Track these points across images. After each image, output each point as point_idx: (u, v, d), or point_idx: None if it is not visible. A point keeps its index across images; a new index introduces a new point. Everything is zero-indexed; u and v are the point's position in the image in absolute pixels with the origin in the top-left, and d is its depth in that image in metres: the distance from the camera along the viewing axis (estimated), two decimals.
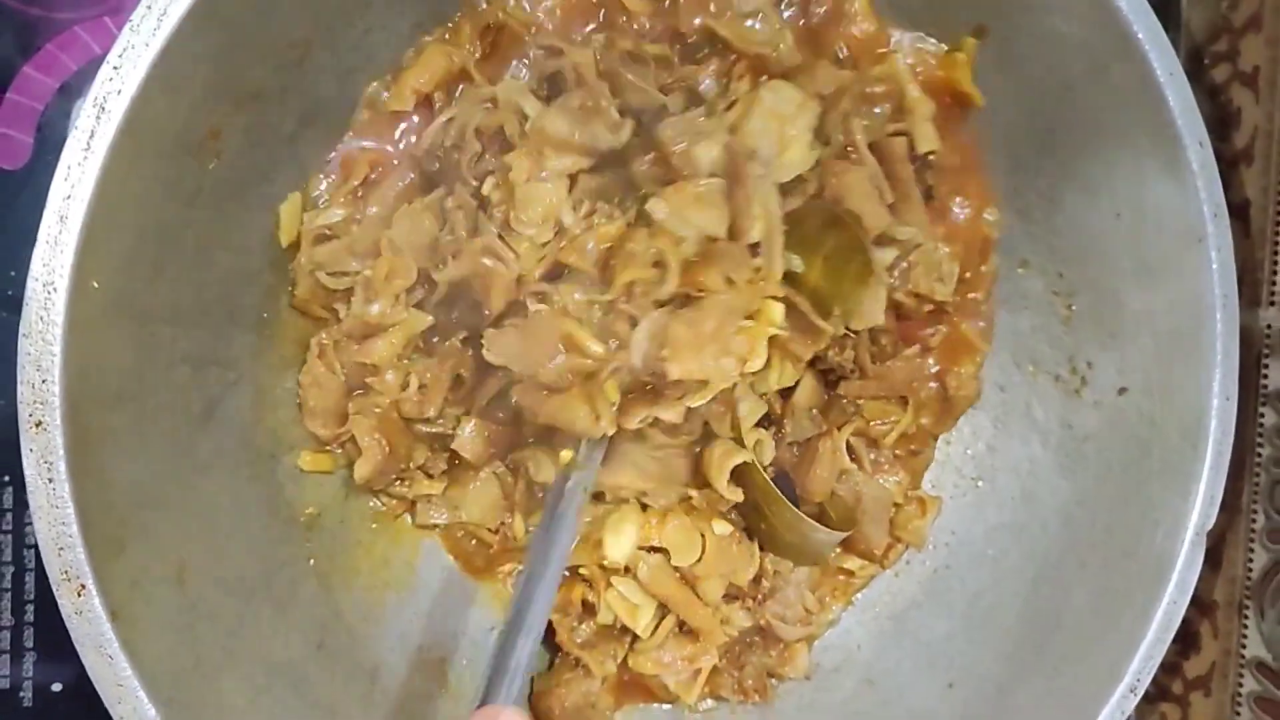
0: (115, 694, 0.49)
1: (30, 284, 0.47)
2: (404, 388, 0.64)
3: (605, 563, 0.65)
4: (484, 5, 0.61)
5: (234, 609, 0.57)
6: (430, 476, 0.67)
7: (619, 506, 0.65)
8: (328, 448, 0.65)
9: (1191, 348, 0.59)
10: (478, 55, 0.62)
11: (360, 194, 0.63)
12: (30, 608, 0.68)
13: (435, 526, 0.69)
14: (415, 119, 0.62)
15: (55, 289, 0.47)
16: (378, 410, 0.63)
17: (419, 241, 0.60)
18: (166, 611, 0.52)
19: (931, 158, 0.64)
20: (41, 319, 0.47)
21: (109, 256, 0.49)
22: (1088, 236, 0.63)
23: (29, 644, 0.68)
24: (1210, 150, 0.57)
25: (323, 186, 0.62)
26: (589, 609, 0.67)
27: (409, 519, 0.69)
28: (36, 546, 0.49)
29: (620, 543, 0.64)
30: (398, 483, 0.66)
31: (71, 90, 0.68)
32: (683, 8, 0.60)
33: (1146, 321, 0.61)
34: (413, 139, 0.62)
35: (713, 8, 0.60)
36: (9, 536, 0.67)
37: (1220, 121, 0.67)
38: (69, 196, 0.47)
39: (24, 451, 0.47)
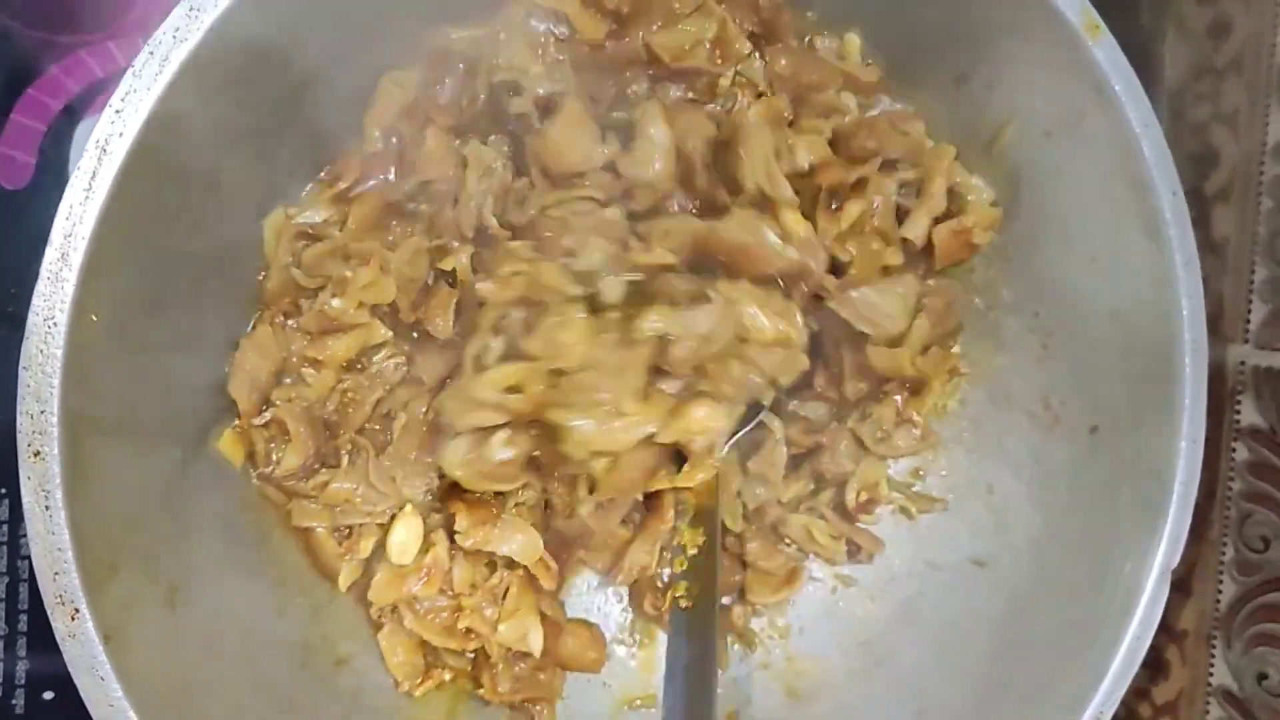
0: (106, 714, 0.50)
1: (31, 318, 0.48)
2: (330, 394, 0.63)
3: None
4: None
5: (223, 631, 0.58)
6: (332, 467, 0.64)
7: None
8: (243, 427, 0.62)
9: (1161, 391, 0.60)
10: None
11: (344, 199, 0.63)
12: (24, 617, 0.69)
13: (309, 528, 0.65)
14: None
15: (55, 324, 0.48)
16: (304, 405, 0.63)
17: (409, 275, 0.62)
18: (158, 634, 0.54)
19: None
20: (41, 352, 0.48)
21: (108, 291, 0.50)
22: (1063, 279, 0.64)
23: (22, 653, 0.69)
24: (1183, 200, 0.59)
25: (308, 187, 0.63)
26: None
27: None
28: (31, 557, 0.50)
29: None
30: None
31: (74, 112, 0.69)
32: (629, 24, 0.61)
33: (1118, 363, 0.62)
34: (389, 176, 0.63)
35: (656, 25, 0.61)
36: (4, 547, 0.68)
37: (1200, 160, 0.68)
38: (69, 235, 0.48)
39: (22, 480, 0.49)
